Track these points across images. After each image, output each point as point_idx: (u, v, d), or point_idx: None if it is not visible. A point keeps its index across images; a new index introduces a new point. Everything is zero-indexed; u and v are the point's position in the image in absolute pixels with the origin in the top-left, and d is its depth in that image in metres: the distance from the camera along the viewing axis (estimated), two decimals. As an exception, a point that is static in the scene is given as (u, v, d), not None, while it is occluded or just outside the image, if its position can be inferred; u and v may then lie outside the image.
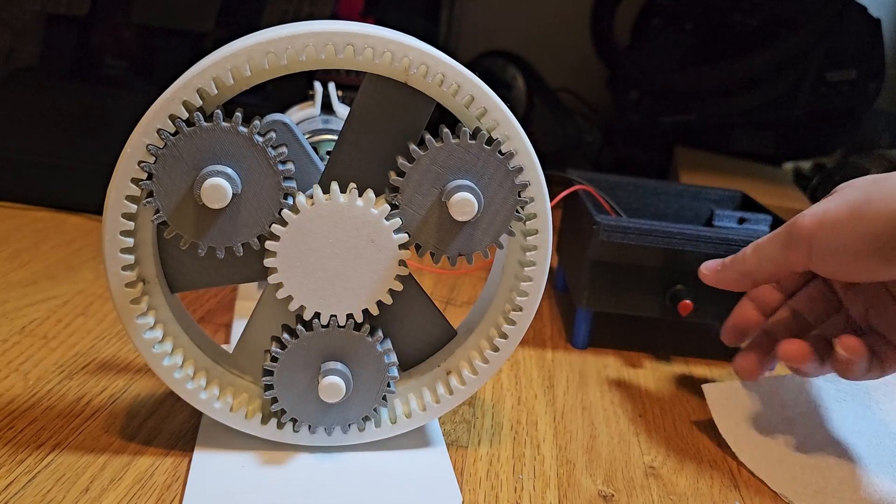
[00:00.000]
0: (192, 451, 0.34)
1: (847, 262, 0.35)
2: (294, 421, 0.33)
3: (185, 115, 0.29)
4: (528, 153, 0.32)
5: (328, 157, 0.39)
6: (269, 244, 0.31)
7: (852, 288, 0.39)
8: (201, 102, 0.29)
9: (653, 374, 0.47)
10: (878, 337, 0.38)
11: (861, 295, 0.39)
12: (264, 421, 0.34)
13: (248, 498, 0.31)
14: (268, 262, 0.31)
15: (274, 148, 0.30)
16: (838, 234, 0.35)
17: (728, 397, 0.42)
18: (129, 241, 0.31)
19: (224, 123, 0.29)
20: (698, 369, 0.49)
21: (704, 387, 0.43)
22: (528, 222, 0.33)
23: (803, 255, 0.37)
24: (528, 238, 0.33)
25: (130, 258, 0.31)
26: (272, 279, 0.31)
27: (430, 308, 0.35)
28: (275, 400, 0.33)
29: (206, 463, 0.33)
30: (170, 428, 0.36)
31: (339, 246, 0.31)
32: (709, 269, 0.42)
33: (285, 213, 0.30)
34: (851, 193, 0.35)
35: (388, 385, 0.33)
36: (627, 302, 0.48)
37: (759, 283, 0.40)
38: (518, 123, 0.31)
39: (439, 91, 0.31)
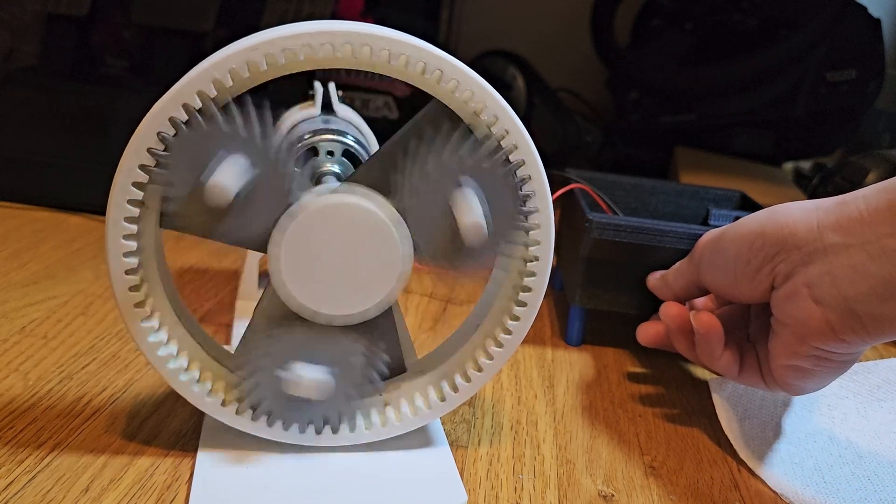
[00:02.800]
0: (192, 451, 0.34)
1: (716, 280, 0.40)
2: (268, 415, 0.33)
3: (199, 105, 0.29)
4: (541, 179, 0.32)
5: (329, 156, 0.39)
6: (273, 240, 0.31)
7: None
8: (215, 94, 0.29)
9: (652, 374, 0.47)
10: (751, 346, 0.40)
11: (754, 308, 0.41)
12: (270, 423, 0.34)
13: (253, 499, 0.31)
14: (271, 257, 0.31)
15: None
16: (710, 254, 0.40)
17: (732, 392, 0.42)
18: (133, 245, 0.31)
19: (234, 119, 0.29)
20: (698, 368, 0.49)
21: (710, 381, 0.43)
22: (529, 217, 0.33)
23: (696, 269, 0.41)
24: (530, 233, 0.34)
25: (134, 262, 0.31)
26: (274, 278, 0.31)
27: (399, 336, 0.35)
28: (250, 391, 0.33)
29: (211, 464, 0.33)
30: (170, 428, 0.36)
31: (345, 247, 0.31)
32: (651, 276, 0.46)
33: (291, 209, 0.30)
34: (751, 216, 0.38)
35: (368, 389, 0.33)
36: (621, 300, 0.48)
37: (676, 294, 0.44)
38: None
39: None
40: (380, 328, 0.34)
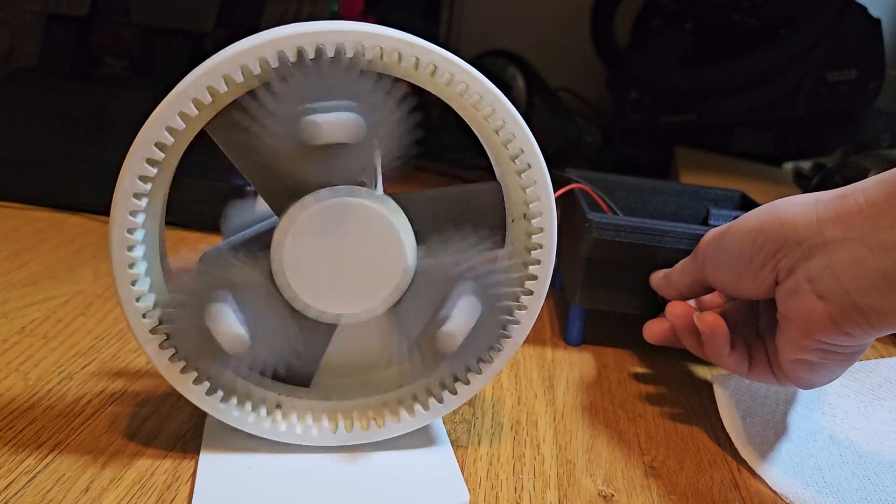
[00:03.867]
0: (192, 451, 0.34)
1: (720, 278, 0.39)
2: (185, 363, 0.32)
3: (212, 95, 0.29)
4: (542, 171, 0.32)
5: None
6: (277, 235, 0.31)
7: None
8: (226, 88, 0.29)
9: (653, 374, 0.47)
10: (760, 341, 0.40)
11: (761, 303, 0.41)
12: (278, 423, 0.34)
13: (256, 498, 0.31)
14: (274, 248, 0.31)
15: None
16: (713, 253, 0.40)
17: (735, 390, 0.42)
18: (138, 255, 0.31)
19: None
20: (698, 368, 0.49)
21: (713, 377, 0.43)
22: (532, 221, 0.33)
23: (700, 267, 0.41)
24: (532, 237, 0.34)
25: (138, 272, 0.31)
26: (278, 276, 0.31)
27: None
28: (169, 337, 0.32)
29: (213, 465, 0.33)
30: (170, 428, 0.36)
31: (349, 247, 0.31)
32: (654, 275, 0.46)
33: (294, 207, 0.30)
34: (752, 212, 0.38)
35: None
36: (621, 300, 0.48)
37: (681, 292, 0.44)
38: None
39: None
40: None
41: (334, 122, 0.29)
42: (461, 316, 0.32)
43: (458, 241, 0.32)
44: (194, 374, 0.33)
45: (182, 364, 0.32)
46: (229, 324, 0.30)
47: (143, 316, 0.31)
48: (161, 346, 0.32)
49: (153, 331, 0.32)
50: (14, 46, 0.74)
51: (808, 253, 0.34)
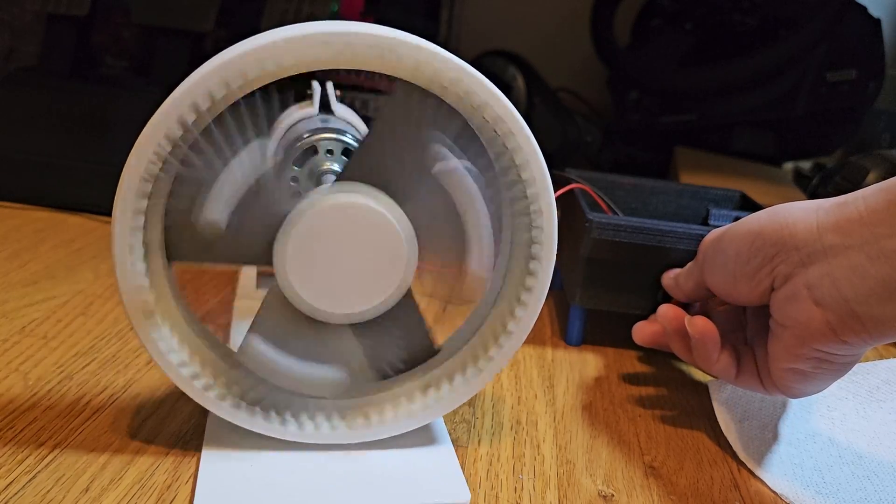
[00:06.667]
0: (192, 450, 0.34)
1: (716, 280, 0.39)
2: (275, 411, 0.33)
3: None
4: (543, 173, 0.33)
5: (328, 155, 0.39)
6: (279, 241, 0.31)
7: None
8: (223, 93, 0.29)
9: (652, 374, 0.47)
10: (749, 349, 0.39)
11: (751, 310, 0.41)
12: (275, 420, 0.34)
13: (258, 496, 0.31)
14: (277, 258, 0.31)
15: None
16: (712, 254, 0.40)
17: (731, 394, 0.42)
18: (139, 238, 0.31)
19: None
20: (697, 370, 0.49)
21: (709, 383, 0.43)
22: (532, 216, 0.34)
23: (700, 269, 0.41)
24: (533, 231, 0.34)
25: (141, 273, 0.31)
26: (280, 275, 0.31)
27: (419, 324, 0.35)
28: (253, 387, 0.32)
29: (215, 462, 0.33)
30: (170, 428, 0.36)
31: (349, 245, 0.31)
32: (665, 275, 0.46)
33: (299, 207, 0.30)
34: (752, 216, 0.38)
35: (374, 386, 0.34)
36: (621, 299, 0.48)
37: (687, 294, 0.43)
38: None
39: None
40: (398, 321, 0.34)
41: None
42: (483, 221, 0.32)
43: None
44: (200, 377, 0.33)
45: (188, 369, 0.32)
46: (218, 203, 0.30)
47: (147, 318, 0.31)
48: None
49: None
50: (14, 46, 0.74)
51: (806, 259, 0.34)
